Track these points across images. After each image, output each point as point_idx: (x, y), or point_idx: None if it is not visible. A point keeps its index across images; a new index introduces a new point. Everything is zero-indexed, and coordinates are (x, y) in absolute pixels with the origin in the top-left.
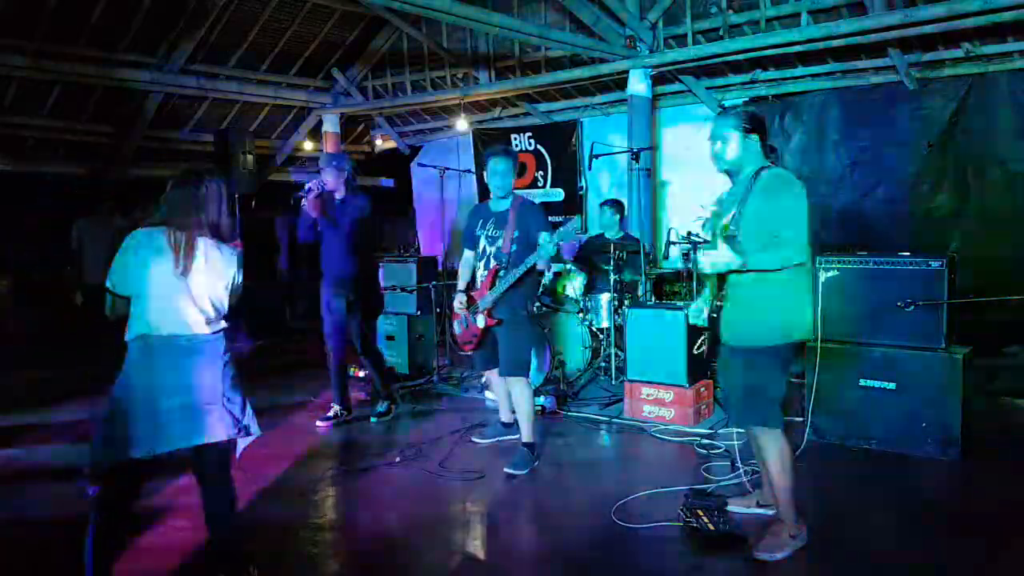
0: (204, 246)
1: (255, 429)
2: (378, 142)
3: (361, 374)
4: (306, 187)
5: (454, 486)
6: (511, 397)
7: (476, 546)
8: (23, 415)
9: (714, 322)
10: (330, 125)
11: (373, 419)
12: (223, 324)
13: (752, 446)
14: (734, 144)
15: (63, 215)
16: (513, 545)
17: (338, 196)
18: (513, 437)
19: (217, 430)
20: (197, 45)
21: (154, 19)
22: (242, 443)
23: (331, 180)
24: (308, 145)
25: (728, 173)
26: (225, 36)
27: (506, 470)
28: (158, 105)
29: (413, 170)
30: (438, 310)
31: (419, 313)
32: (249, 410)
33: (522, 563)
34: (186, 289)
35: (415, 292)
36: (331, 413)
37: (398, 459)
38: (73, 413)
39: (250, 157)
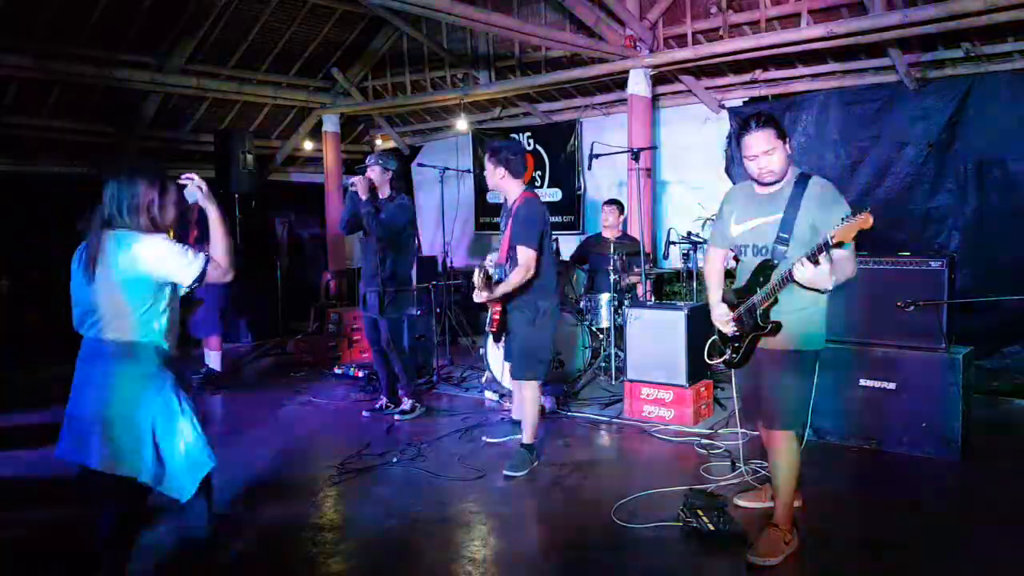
0: (105, 243)
1: (146, 476)
2: (378, 142)
3: (360, 374)
4: (349, 180)
5: (454, 486)
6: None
7: (476, 546)
8: (24, 415)
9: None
10: (330, 125)
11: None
12: (133, 334)
13: (767, 445)
14: (781, 153)
15: (63, 215)
16: (513, 545)
17: (382, 195)
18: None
19: (90, 454)
20: (197, 45)
21: (154, 19)
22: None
23: (376, 178)
24: (308, 145)
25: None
26: (225, 36)
27: (505, 472)
28: (158, 105)
29: (413, 170)
30: (438, 310)
31: (419, 313)
32: (146, 453)
33: (522, 563)
34: (95, 291)
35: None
36: (378, 405)
37: (396, 459)
38: None
39: (250, 157)
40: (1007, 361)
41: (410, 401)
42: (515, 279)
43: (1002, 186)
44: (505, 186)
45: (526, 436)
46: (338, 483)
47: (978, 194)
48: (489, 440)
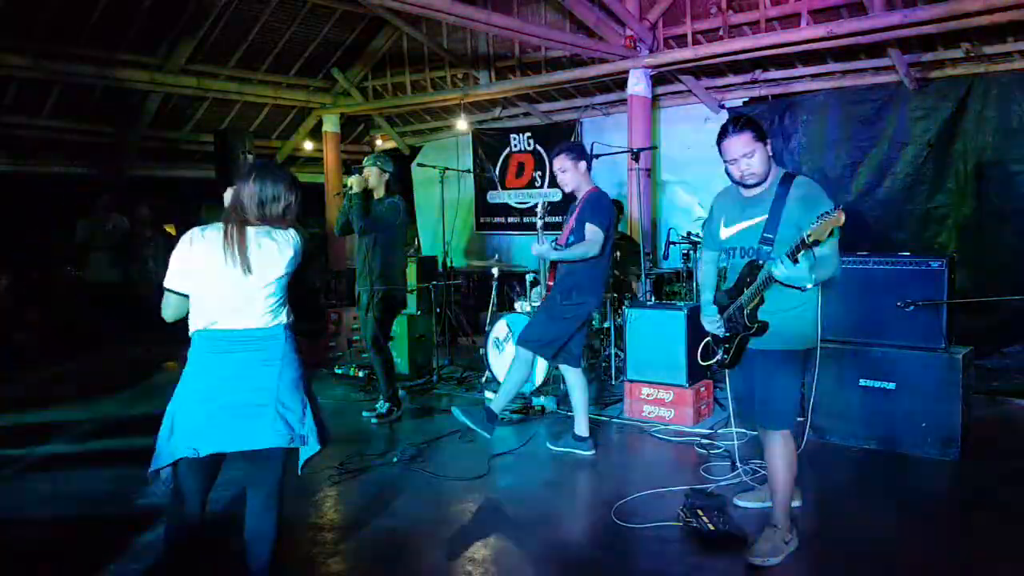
0: (259, 238)
1: (312, 441)
2: (378, 142)
3: (360, 374)
4: (347, 182)
5: (454, 486)
6: (567, 389)
7: (476, 546)
8: (23, 414)
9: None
10: (330, 125)
11: (373, 420)
12: (286, 318)
13: (763, 445)
14: (761, 155)
15: (63, 215)
16: (513, 545)
17: (376, 195)
18: (587, 453)
19: (256, 436)
20: (197, 45)
21: (154, 19)
22: (303, 455)
23: (372, 179)
24: (308, 145)
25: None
26: (225, 36)
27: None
28: (158, 105)
29: (413, 170)
30: (438, 310)
31: (419, 313)
32: (309, 419)
33: (522, 563)
34: (253, 284)
35: (414, 292)
36: (377, 405)
37: (396, 459)
38: (73, 412)
39: (250, 157)
40: (1007, 361)
41: (387, 404)
42: (579, 249)
43: (1002, 186)
44: (582, 180)
45: (577, 427)
46: (338, 483)
47: (978, 194)
48: (552, 447)
